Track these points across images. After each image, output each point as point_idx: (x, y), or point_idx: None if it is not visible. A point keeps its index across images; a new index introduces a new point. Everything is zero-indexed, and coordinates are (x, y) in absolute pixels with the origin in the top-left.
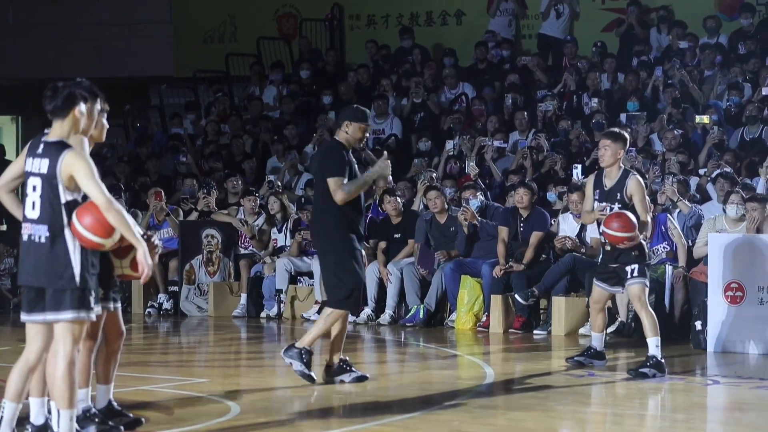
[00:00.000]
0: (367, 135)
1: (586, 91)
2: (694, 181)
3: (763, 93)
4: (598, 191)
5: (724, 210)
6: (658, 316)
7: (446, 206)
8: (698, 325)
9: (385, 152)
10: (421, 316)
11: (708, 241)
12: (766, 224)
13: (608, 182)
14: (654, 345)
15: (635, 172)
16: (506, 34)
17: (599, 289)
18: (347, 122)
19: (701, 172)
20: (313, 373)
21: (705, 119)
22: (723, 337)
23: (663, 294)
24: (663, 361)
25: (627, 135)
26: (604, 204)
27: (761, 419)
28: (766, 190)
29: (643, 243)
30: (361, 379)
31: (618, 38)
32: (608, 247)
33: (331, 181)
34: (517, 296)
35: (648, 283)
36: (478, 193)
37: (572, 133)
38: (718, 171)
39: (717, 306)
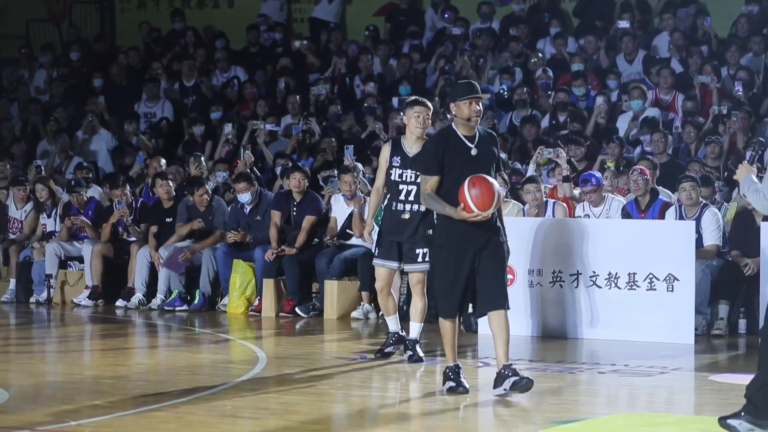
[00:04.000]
0: (479, 107)
1: (358, 74)
2: None
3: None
4: (398, 158)
5: None
6: (429, 300)
7: (209, 195)
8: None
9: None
10: (196, 301)
11: None
12: (539, 208)
13: (412, 150)
14: (417, 330)
15: None
16: (278, 18)
17: (384, 269)
18: (451, 104)
19: None
20: (463, 383)
21: None
22: None
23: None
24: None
25: None
26: None
27: (529, 400)
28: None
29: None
30: (521, 386)
31: (390, 23)
32: (407, 216)
33: (421, 179)
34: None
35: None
36: (250, 188)
37: (345, 124)
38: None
39: None
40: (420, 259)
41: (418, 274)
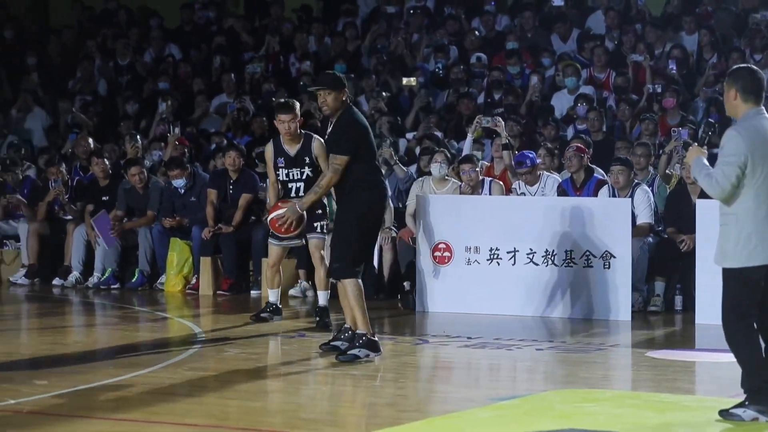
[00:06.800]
0: (320, 101)
1: (293, 52)
2: (402, 144)
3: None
4: (281, 159)
5: (429, 171)
6: (368, 278)
7: (146, 177)
8: (407, 285)
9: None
10: (133, 279)
11: (415, 202)
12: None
13: (292, 149)
14: (325, 297)
15: (316, 135)
16: None
17: (276, 248)
18: None
19: (409, 135)
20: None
21: (412, 81)
22: (431, 297)
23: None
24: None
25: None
26: None
27: (469, 377)
28: (471, 149)
29: (325, 201)
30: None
31: (324, 1)
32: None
33: None
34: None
35: (327, 239)
36: (183, 174)
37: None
38: (422, 133)
39: (425, 266)
40: (319, 230)
41: (315, 241)
